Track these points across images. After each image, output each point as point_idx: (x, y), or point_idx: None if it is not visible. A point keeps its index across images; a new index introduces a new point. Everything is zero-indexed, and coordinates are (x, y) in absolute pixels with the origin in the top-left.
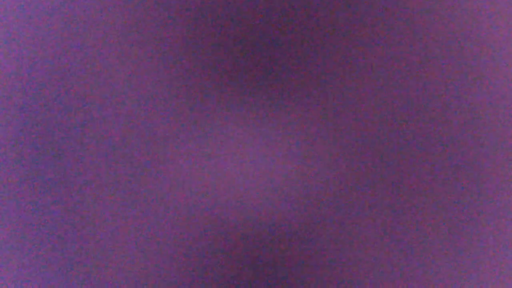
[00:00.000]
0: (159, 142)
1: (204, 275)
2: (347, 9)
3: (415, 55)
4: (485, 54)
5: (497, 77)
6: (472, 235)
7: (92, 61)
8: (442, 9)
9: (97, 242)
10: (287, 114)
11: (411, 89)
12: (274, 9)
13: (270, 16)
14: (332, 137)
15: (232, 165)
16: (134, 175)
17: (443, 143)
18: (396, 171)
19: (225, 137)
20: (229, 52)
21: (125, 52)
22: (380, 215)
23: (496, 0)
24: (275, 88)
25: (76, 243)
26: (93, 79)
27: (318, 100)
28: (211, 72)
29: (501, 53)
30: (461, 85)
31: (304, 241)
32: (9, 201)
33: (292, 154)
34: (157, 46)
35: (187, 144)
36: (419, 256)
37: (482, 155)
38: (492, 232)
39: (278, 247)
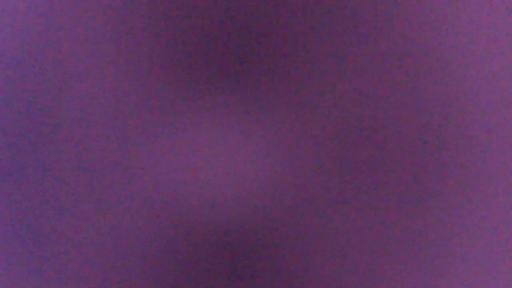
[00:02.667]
0: (132, 138)
1: (173, 269)
2: (320, 6)
3: (386, 50)
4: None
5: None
6: (439, 231)
7: (69, 59)
8: (431, 9)
9: (70, 236)
10: (259, 111)
11: (382, 84)
12: (248, 7)
13: (243, 14)
14: (302, 133)
15: (203, 162)
16: (107, 170)
17: (415, 139)
18: (367, 167)
19: (197, 134)
20: (202, 50)
21: (98, 48)
22: (350, 211)
23: (495, 1)
24: (247, 85)
25: (48, 237)
26: (76, 76)
27: (290, 97)
28: (184, 70)
29: (500, 53)
30: (433, 80)
31: (272, 236)
32: None
33: (263, 150)
34: (132, 44)
35: (160, 140)
36: (389, 251)
37: (458, 154)
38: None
39: (247, 242)
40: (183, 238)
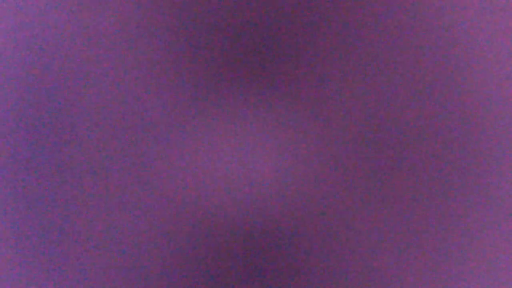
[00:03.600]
0: (153, 139)
1: (195, 269)
2: (339, 8)
3: (403, 54)
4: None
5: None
6: (461, 233)
7: (89, 59)
8: (436, 9)
9: (87, 236)
10: (279, 111)
11: (399, 87)
12: (267, 8)
13: (262, 14)
14: (322, 134)
15: (223, 162)
16: (128, 171)
17: (430, 140)
18: (385, 167)
19: (217, 134)
20: (222, 51)
21: (121, 50)
22: (369, 212)
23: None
24: (267, 86)
25: (72, 238)
26: (91, 77)
27: (310, 98)
28: (204, 69)
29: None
30: (450, 83)
31: (294, 236)
32: (6, 199)
33: (283, 151)
34: (153, 44)
35: (179, 141)
36: (408, 252)
37: (471, 155)
38: (482, 228)
39: (269, 242)
40: (202, 238)
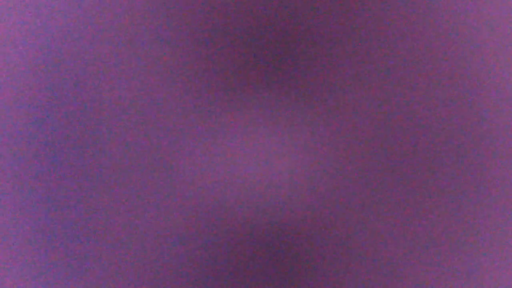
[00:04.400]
0: (169, 139)
1: (210, 269)
2: (353, 10)
3: (416, 57)
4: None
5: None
6: (475, 234)
7: (105, 60)
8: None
9: (108, 236)
10: (295, 112)
11: (414, 89)
12: (283, 8)
13: (279, 14)
14: (338, 134)
15: (240, 162)
16: (145, 171)
17: (445, 142)
18: (401, 168)
19: (234, 135)
20: (238, 51)
21: (137, 51)
22: (385, 213)
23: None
24: (283, 86)
25: (87, 237)
26: (106, 78)
27: (325, 98)
28: (220, 71)
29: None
30: (460, 85)
31: (310, 238)
32: (23, 197)
33: (299, 151)
34: (168, 45)
35: (196, 141)
36: (423, 253)
37: (484, 154)
38: (494, 231)
39: (285, 244)
40: (222, 239)
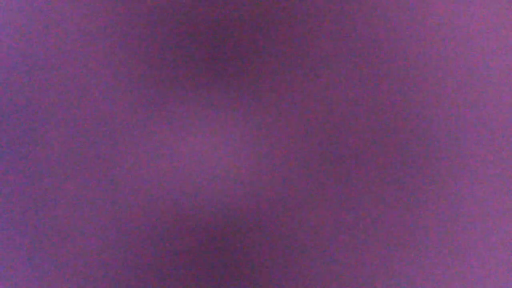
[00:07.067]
0: (118, 131)
1: (160, 262)
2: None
3: (362, 53)
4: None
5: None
6: (416, 226)
7: (56, 52)
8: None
9: (52, 231)
10: (243, 106)
11: (358, 85)
12: (230, 4)
13: (229, 9)
14: (286, 128)
15: (189, 155)
16: (93, 164)
17: (398, 139)
18: (350, 163)
19: (183, 127)
20: (188, 44)
21: (98, 49)
22: (332, 207)
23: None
24: (233, 80)
25: (32, 231)
26: (57, 70)
27: (274, 92)
28: (170, 64)
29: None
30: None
31: (256, 230)
32: None
33: (247, 145)
34: (118, 38)
35: (145, 134)
36: (365, 246)
37: (426, 151)
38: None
39: (232, 236)
40: (171, 232)
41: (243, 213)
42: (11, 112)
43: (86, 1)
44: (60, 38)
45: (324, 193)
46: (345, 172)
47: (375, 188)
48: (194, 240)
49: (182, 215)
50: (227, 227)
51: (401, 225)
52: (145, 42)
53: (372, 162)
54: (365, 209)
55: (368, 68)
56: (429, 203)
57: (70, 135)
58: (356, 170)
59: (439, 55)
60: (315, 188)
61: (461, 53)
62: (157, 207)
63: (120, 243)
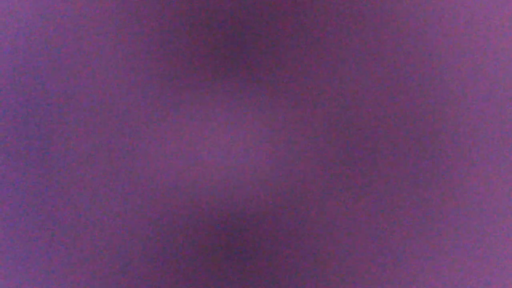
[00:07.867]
0: (136, 126)
1: (176, 256)
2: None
3: (386, 49)
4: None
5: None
6: (430, 220)
7: (71, 48)
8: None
9: (71, 221)
10: (260, 101)
11: (382, 81)
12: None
13: (243, 3)
14: (303, 124)
15: (206, 150)
16: (112, 158)
17: (412, 136)
18: (365, 158)
19: (200, 123)
20: (204, 40)
21: (103, 40)
22: (348, 201)
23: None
24: (250, 76)
25: (52, 223)
26: (73, 66)
27: (291, 88)
28: (187, 60)
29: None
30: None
31: (274, 225)
32: None
33: (264, 140)
34: (133, 33)
35: (162, 130)
36: (380, 240)
37: (439, 148)
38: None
39: (249, 231)
40: (188, 226)
41: (260, 208)
42: (30, 108)
43: None
44: (81, 36)
45: (340, 189)
46: (359, 166)
47: (389, 184)
48: (211, 234)
49: (200, 210)
50: (244, 221)
51: (414, 219)
52: (164, 38)
53: (386, 158)
54: (379, 204)
55: (382, 66)
56: (441, 198)
57: (87, 132)
58: (370, 166)
59: (452, 54)
60: (331, 184)
61: (474, 51)
62: (175, 202)
63: (137, 237)
